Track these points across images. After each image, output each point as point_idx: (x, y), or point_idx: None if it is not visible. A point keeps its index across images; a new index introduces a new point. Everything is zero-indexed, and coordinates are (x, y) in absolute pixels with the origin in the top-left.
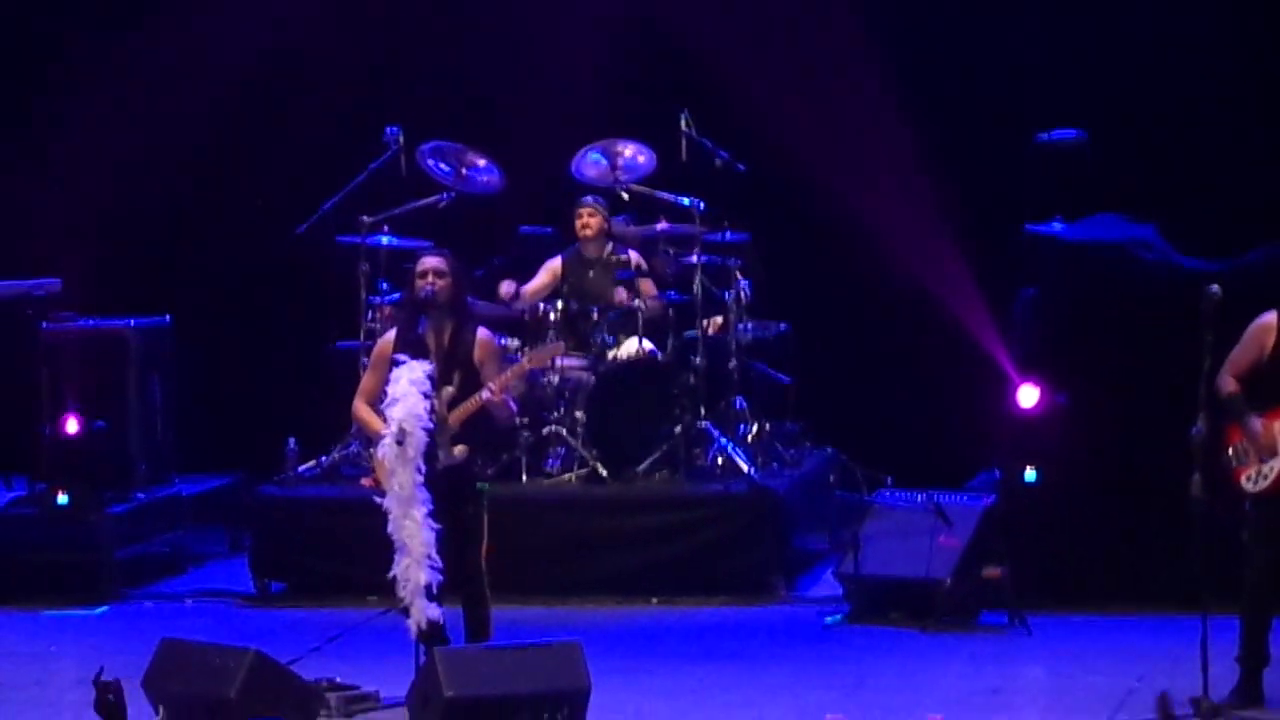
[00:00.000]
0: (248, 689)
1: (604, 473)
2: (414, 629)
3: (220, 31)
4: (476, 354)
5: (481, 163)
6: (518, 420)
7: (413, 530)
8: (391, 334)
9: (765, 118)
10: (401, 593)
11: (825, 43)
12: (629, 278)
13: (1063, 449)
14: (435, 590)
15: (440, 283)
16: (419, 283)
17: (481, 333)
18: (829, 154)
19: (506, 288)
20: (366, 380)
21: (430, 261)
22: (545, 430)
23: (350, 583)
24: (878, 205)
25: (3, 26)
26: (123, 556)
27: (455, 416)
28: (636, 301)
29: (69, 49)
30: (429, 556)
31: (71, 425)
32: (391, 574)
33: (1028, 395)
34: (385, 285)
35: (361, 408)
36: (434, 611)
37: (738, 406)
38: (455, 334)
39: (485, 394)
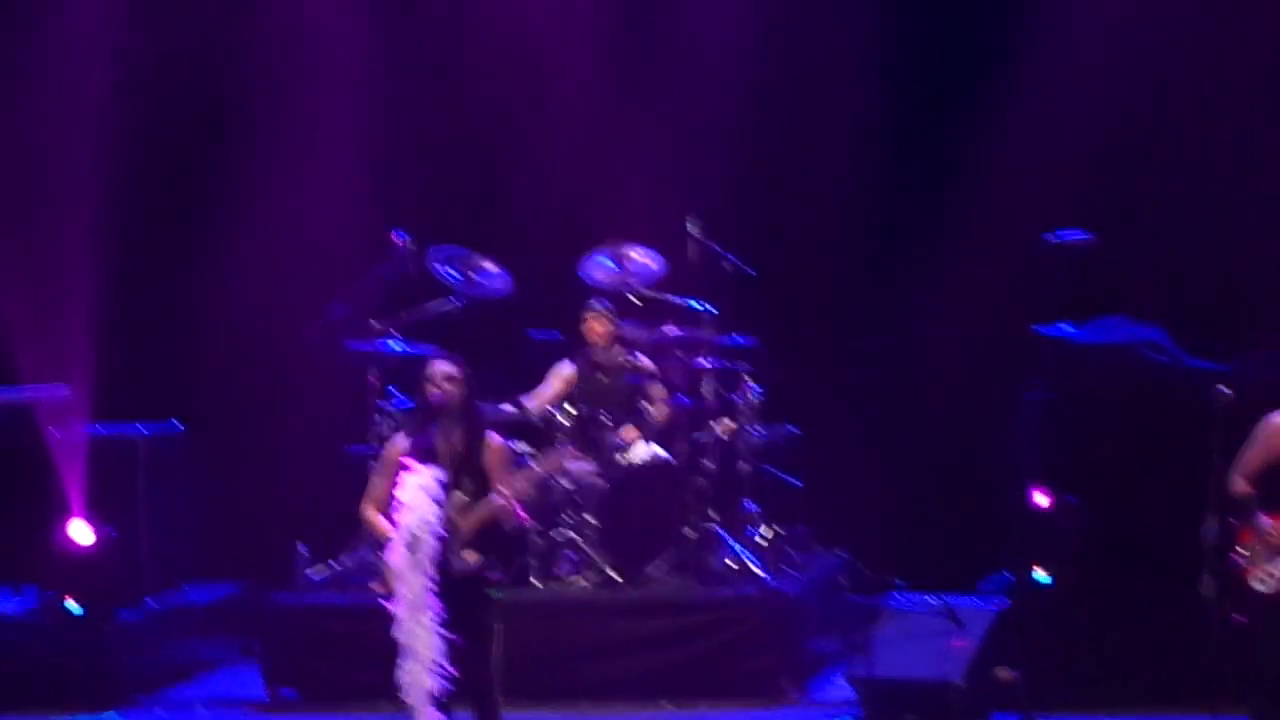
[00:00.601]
0: None
1: (616, 576)
2: None
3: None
4: (487, 459)
5: (490, 267)
6: (525, 527)
7: (421, 636)
8: (400, 438)
9: (773, 222)
10: (408, 699)
11: (830, 146)
12: (639, 382)
13: (1074, 550)
14: (442, 697)
15: (450, 388)
16: (429, 388)
17: (492, 438)
18: (837, 257)
19: (506, 408)
20: (374, 485)
21: (441, 367)
22: (557, 534)
23: (362, 689)
24: (887, 308)
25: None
26: (133, 664)
27: (468, 523)
28: (647, 406)
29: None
30: (437, 662)
31: (82, 533)
32: (398, 679)
33: (1040, 497)
34: (394, 391)
35: (369, 511)
36: (439, 718)
37: (748, 510)
38: (466, 439)
39: (495, 500)
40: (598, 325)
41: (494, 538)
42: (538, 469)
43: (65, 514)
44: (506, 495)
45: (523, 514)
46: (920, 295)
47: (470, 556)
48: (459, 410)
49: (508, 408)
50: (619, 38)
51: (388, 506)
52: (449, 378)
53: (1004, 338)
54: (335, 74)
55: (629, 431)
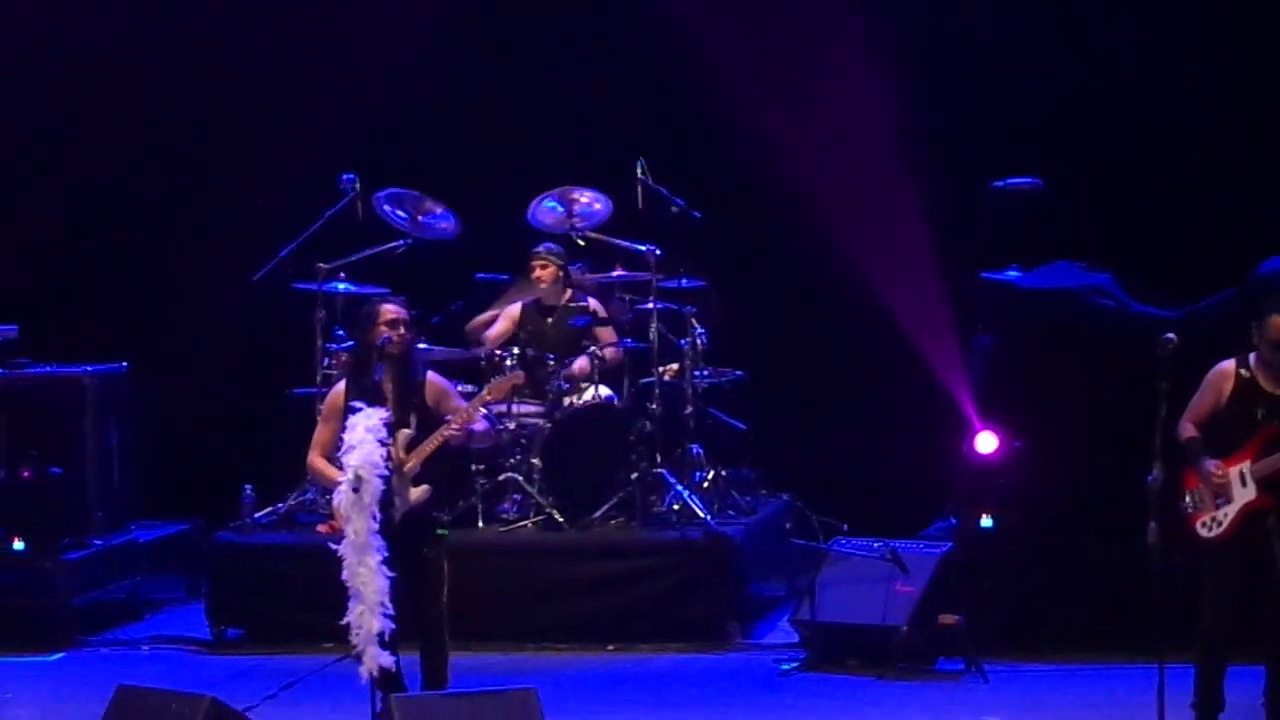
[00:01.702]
0: None
1: (560, 519)
2: (365, 675)
3: (181, 69)
4: (429, 396)
5: (438, 209)
6: (490, 443)
7: (367, 577)
8: (341, 385)
9: (720, 165)
10: (354, 639)
11: (782, 91)
12: (585, 324)
13: (1019, 496)
14: (388, 638)
15: (401, 331)
16: (381, 330)
17: (430, 375)
18: (783, 202)
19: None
20: (320, 432)
21: (390, 310)
22: (501, 477)
23: (306, 630)
24: (834, 253)
25: None
26: (79, 603)
27: (415, 457)
28: (593, 349)
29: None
30: (382, 604)
31: (27, 472)
32: (345, 620)
33: (985, 442)
34: (341, 332)
35: (316, 459)
36: (386, 659)
37: (694, 453)
38: (409, 379)
39: (450, 428)
40: (545, 269)
41: (440, 475)
42: (487, 394)
43: (12, 453)
44: (457, 423)
45: (482, 426)
46: (869, 240)
47: (417, 491)
48: (404, 351)
49: (480, 336)
50: None
51: (333, 452)
52: (399, 321)
53: (952, 282)
54: (286, 21)
55: (581, 366)
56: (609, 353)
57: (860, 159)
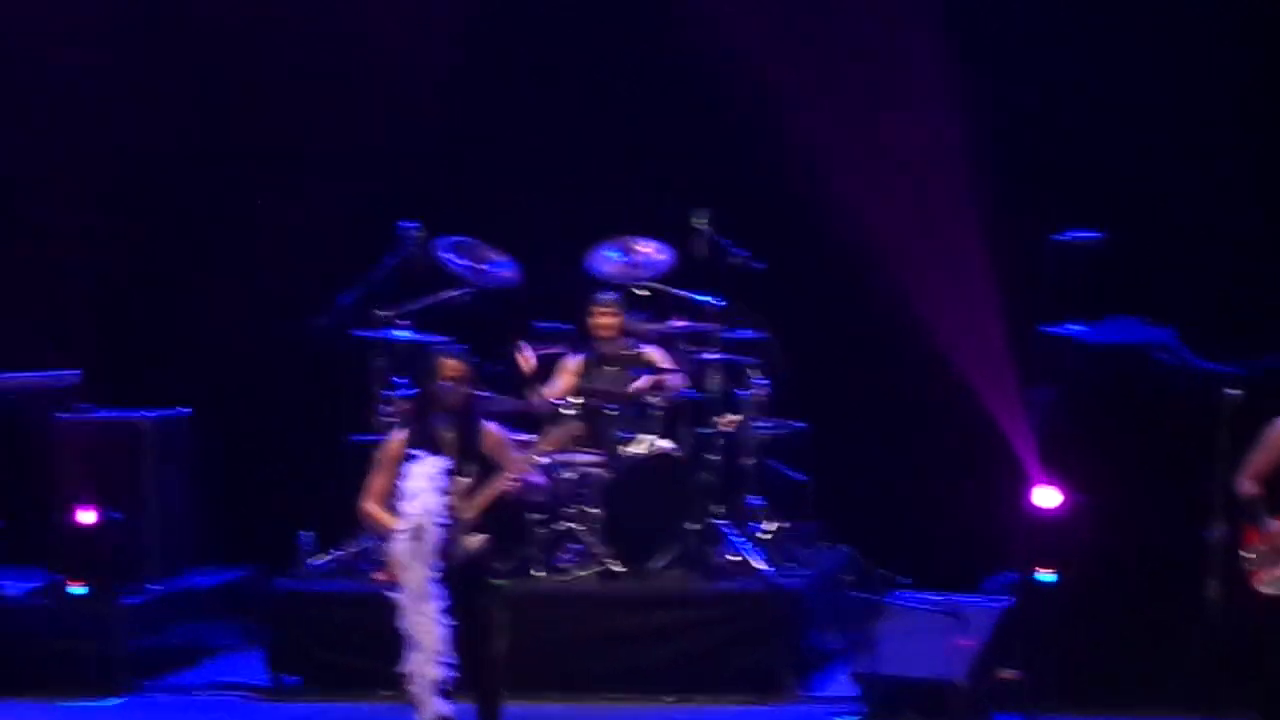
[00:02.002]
0: None
1: (618, 569)
2: None
3: (242, 111)
4: (486, 445)
5: (499, 258)
6: (546, 495)
7: (426, 626)
8: (399, 435)
9: (783, 216)
10: (412, 688)
11: (846, 141)
12: (645, 375)
13: (1079, 551)
14: (447, 686)
15: (462, 386)
16: (439, 380)
17: (489, 425)
18: (846, 253)
19: (525, 353)
20: (374, 480)
21: (456, 365)
22: (560, 526)
23: (364, 677)
24: (896, 304)
25: None
26: (137, 648)
27: (473, 505)
28: (653, 399)
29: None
30: (441, 653)
31: (87, 517)
32: (403, 669)
33: (1045, 496)
34: (400, 380)
35: (370, 506)
36: (445, 708)
37: (753, 505)
38: (467, 428)
39: (505, 480)
40: (605, 318)
41: (497, 526)
42: (542, 445)
43: (70, 498)
44: (513, 475)
45: (538, 481)
46: (932, 291)
47: (475, 541)
48: (464, 401)
49: (540, 391)
50: (631, 26)
51: (386, 501)
52: (460, 371)
53: (1013, 337)
54: (344, 64)
55: (639, 386)
56: (671, 380)
57: (923, 209)
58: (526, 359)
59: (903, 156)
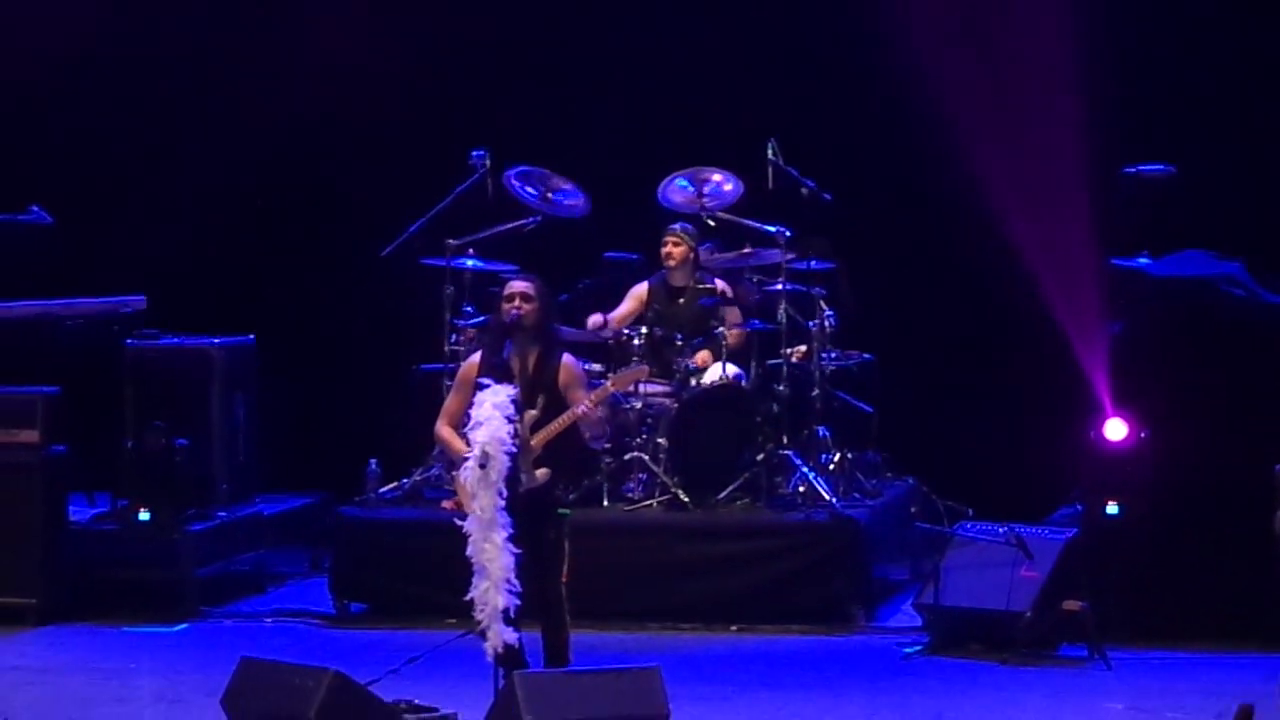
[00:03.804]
0: (326, 709)
1: (685, 499)
2: (490, 652)
3: (309, 53)
4: (561, 379)
5: (567, 187)
6: (608, 440)
7: (492, 554)
8: (476, 356)
9: (852, 146)
10: (479, 615)
11: (911, 76)
12: (714, 305)
13: (1146, 483)
14: (513, 614)
15: (526, 307)
16: (505, 306)
17: (566, 358)
18: (914, 185)
19: (595, 319)
20: (450, 402)
21: (517, 285)
22: (627, 456)
23: (430, 605)
24: (963, 236)
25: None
26: (203, 574)
27: (539, 439)
28: (720, 329)
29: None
30: (508, 580)
31: (155, 442)
32: (469, 596)
33: (1115, 429)
34: (470, 308)
35: (444, 429)
36: (511, 635)
37: (820, 435)
38: (540, 359)
39: (575, 412)
40: (677, 248)
41: (565, 457)
42: (610, 386)
43: (139, 423)
44: (588, 407)
45: (604, 424)
46: (998, 226)
47: (540, 473)
48: (534, 329)
49: (594, 319)
50: None
51: (462, 424)
52: (525, 295)
53: (1082, 268)
54: None
55: (703, 356)
56: (733, 335)
57: (999, 138)
58: (597, 322)
59: (981, 85)
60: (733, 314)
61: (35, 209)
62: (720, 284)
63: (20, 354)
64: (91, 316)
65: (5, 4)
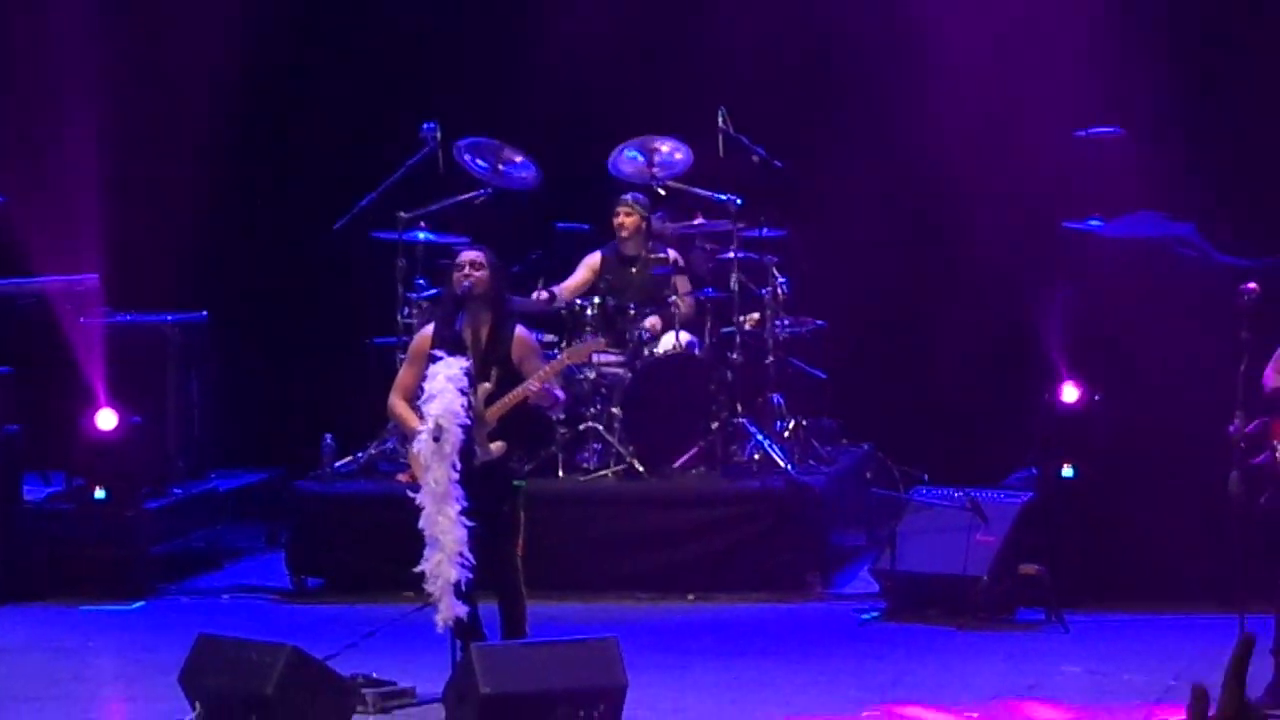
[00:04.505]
0: (284, 685)
1: (640, 469)
2: (441, 624)
3: (261, 22)
4: (515, 351)
5: (518, 159)
6: (562, 410)
7: (445, 526)
8: (429, 329)
9: (801, 115)
10: (430, 588)
11: (861, 37)
12: (666, 274)
13: (1101, 446)
14: (465, 587)
15: (477, 274)
16: (457, 276)
17: (519, 330)
18: (864, 150)
19: (541, 295)
20: (403, 375)
21: (468, 255)
22: (582, 426)
23: (386, 578)
24: (916, 201)
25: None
26: (159, 552)
27: (493, 412)
28: (673, 298)
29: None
30: (460, 553)
31: (108, 420)
32: (421, 568)
33: (1069, 392)
34: (422, 281)
35: (398, 403)
36: (461, 609)
37: (775, 403)
38: (493, 330)
39: (528, 387)
40: (629, 218)
41: (519, 428)
42: (565, 359)
43: (92, 402)
44: (536, 384)
45: (559, 394)
46: (950, 188)
47: (495, 446)
48: (486, 299)
49: (540, 294)
50: None
51: (415, 397)
52: (475, 264)
53: (1034, 232)
54: None
55: (653, 322)
56: (685, 303)
57: (949, 100)
58: (543, 298)
59: (932, 46)
60: (684, 283)
61: None
62: (672, 254)
63: None
64: (44, 295)
65: None
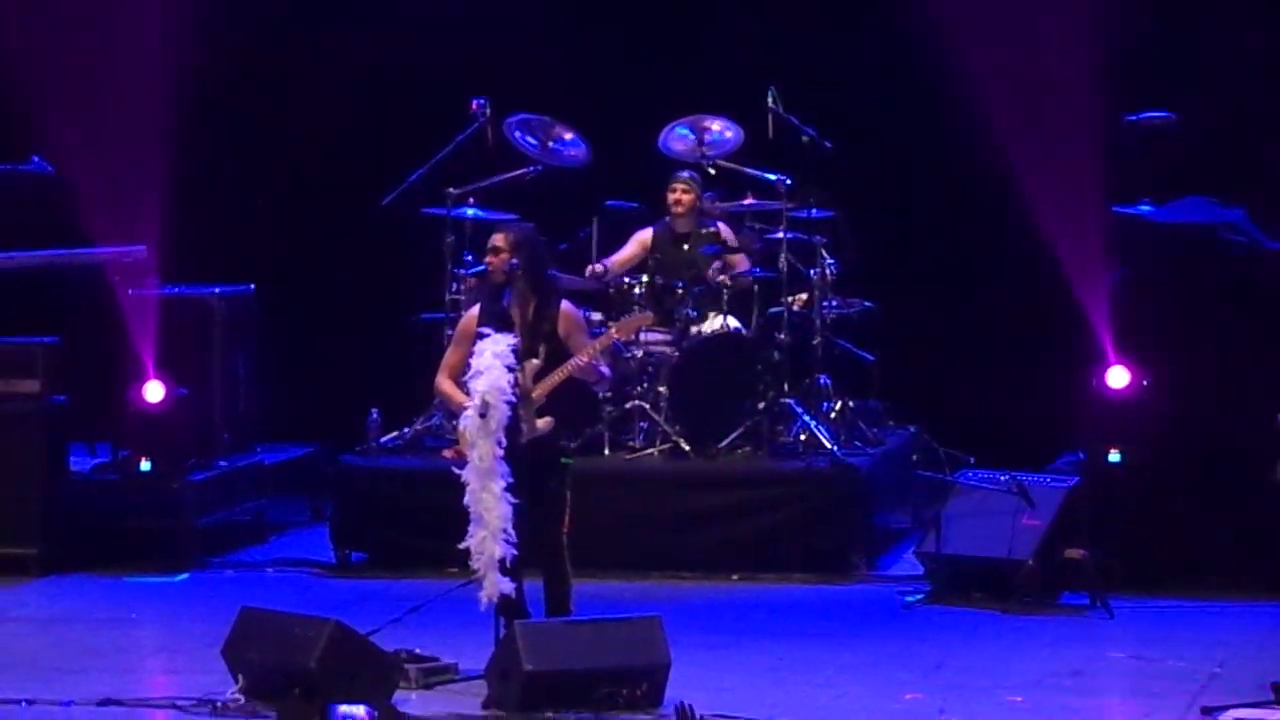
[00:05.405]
0: (327, 659)
1: (687, 448)
2: (485, 601)
3: (312, 3)
4: (561, 327)
5: (568, 136)
6: (608, 390)
7: (490, 503)
8: (475, 309)
9: (853, 95)
10: (475, 564)
11: (915, 21)
12: (716, 252)
13: (1148, 431)
14: (510, 564)
15: (493, 261)
16: (487, 256)
17: (565, 305)
18: (915, 133)
19: (594, 268)
20: (450, 355)
21: (493, 238)
22: (628, 405)
23: (431, 554)
24: (965, 184)
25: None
26: (204, 524)
27: (541, 389)
28: (722, 277)
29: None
30: (505, 530)
31: (155, 392)
32: (465, 545)
33: (1117, 376)
34: (470, 257)
35: (444, 382)
36: (506, 585)
37: (821, 384)
38: (539, 307)
39: (574, 363)
40: (686, 195)
41: (566, 405)
42: (614, 333)
43: (139, 374)
44: (584, 359)
45: (605, 371)
46: (999, 170)
47: (542, 423)
48: (517, 278)
49: (593, 268)
50: None
51: (462, 376)
52: (494, 249)
53: (1084, 216)
54: None
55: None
56: (733, 280)
57: (1001, 84)
58: (597, 271)
59: (985, 30)
60: (738, 260)
61: (36, 159)
62: (723, 228)
63: (21, 304)
64: (92, 266)
65: None
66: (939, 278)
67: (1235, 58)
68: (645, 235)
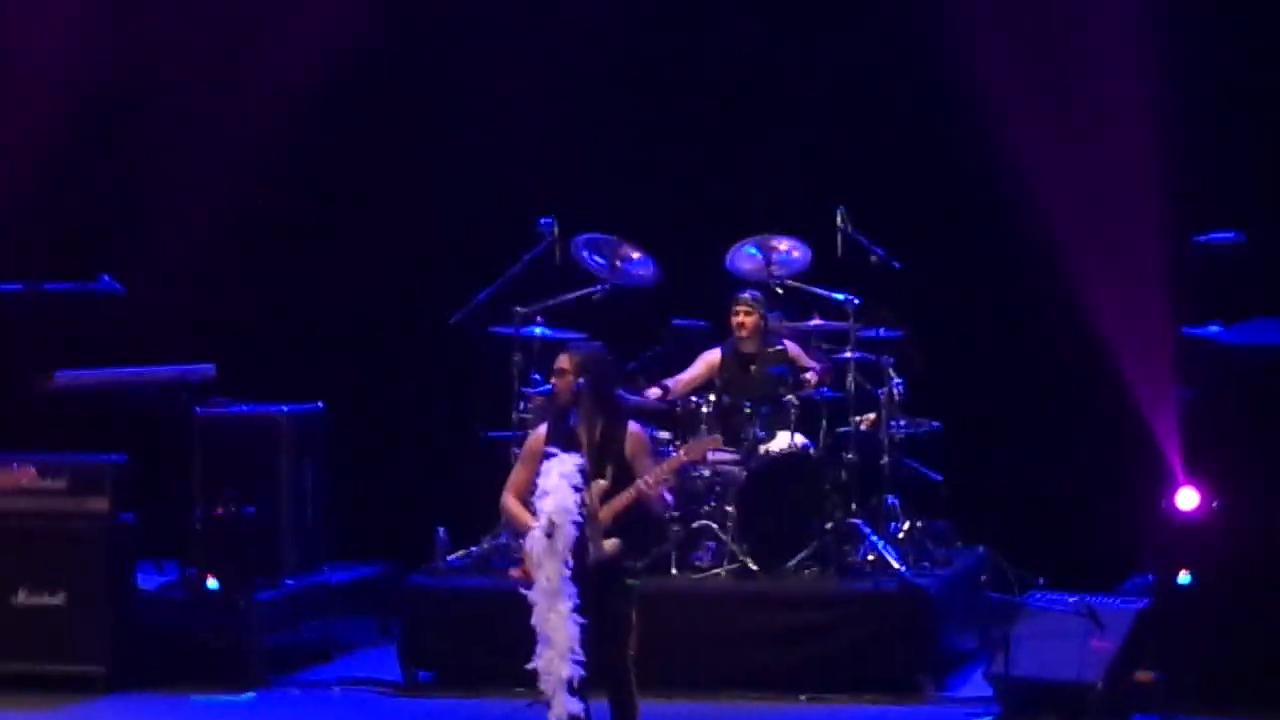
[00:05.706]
0: None
1: (754, 568)
2: None
3: (379, 116)
4: (628, 448)
5: (636, 255)
6: (671, 513)
7: (557, 623)
8: (543, 428)
9: (923, 212)
10: (543, 685)
11: (983, 140)
12: (784, 373)
13: (1219, 553)
14: (578, 684)
15: (559, 383)
16: (553, 378)
17: (633, 427)
18: (983, 252)
19: (653, 391)
20: (517, 474)
21: (560, 360)
22: (696, 524)
23: (498, 673)
24: (1032, 304)
25: None
26: (271, 643)
27: (607, 511)
28: (790, 397)
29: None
30: (572, 650)
31: (223, 511)
32: (533, 665)
33: (1187, 498)
34: (537, 376)
35: (511, 501)
36: (575, 706)
37: (889, 504)
38: (606, 428)
39: (640, 486)
40: (749, 317)
41: (633, 526)
42: (683, 456)
43: (208, 492)
44: (651, 482)
45: (667, 498)
46: (1065, 293)
47: (609, 545)
48: (581, 400)
49: (651, 391)
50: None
51: (529, 495)
52: (559, 371)
53: (1152, 338)
54: (487, 60)
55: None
56: (811, 379)
57: (1070, 205)
58: (655, 394)
59: (1053, 152)
60: (810, 378)
61: (105, 278)
62: (790, 346)
63: (90, 422)
64: (160, 384)
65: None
66: (1007, 398)
67: None
68: (714, 355)
